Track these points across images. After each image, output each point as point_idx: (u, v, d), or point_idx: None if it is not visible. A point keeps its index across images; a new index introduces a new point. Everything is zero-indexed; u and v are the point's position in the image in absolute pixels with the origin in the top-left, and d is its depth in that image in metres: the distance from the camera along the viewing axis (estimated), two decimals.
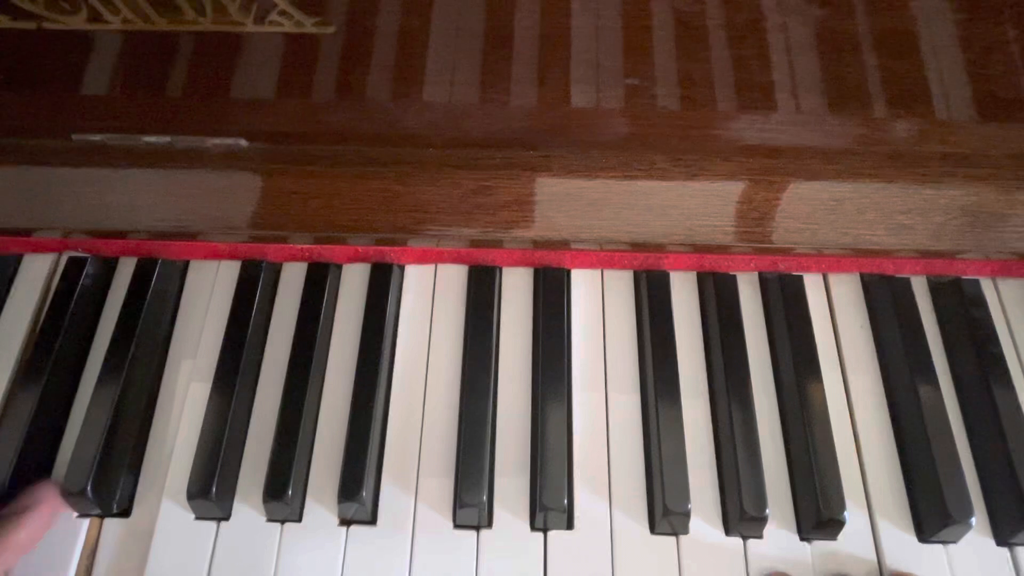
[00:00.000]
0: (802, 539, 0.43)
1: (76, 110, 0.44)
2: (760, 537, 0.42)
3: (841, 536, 0.42)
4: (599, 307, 0.50)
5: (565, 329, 0.48)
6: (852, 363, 0.48)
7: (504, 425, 0.46)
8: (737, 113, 0.42)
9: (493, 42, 0.39)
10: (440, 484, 0.44)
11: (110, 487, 0.43)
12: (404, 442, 0.45)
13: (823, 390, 0.46)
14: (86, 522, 0.43)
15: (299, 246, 0.50)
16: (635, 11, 0.37)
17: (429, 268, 0.51)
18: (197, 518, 0.43)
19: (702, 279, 0.51)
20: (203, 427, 0.45)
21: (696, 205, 0.46)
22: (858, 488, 0.44)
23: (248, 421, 0.46)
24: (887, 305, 0.49)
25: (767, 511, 0.42)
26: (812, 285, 0.51)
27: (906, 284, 0.50)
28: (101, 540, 0.43)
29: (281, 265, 0.52)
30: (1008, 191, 0.45)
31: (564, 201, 0.46)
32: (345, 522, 0.43)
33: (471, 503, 0.42)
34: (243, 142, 0.46)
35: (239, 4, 0.37)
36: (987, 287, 0.50)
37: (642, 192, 0.46)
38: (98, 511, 0.43)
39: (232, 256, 0.52)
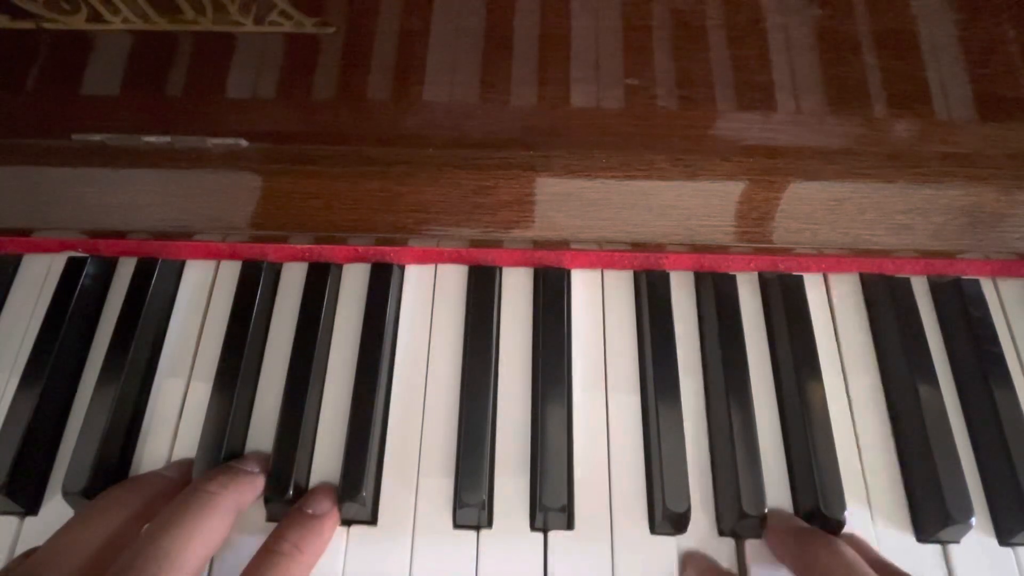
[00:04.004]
0: None
1: (76, 110, 0.44)
2: (759, 537, 0.42)
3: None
4: (599, 307, 0.50)
5: (565, 329, 0.48)
6: (852, 363, 0.48)
7: (504, 425, 0.46)
8: (737, 113, 0.42)
9: (493, 42, 0.39)
10: (440, 484, 0.44)
11: None
12: (404, 442, 0.45)
13: (823, 390, 0.46)
14: None
15: (299, 246, 0.50)
16: (635, 11, 0.37)
17: (429, 268, 0.51)
18: None
19: (702, 279, 0.51)
20: (203, 427, 0.45)
21: (696, 205, 0.46)
22: (858, 488, 0.44)
23: (248, 421, 0.46)
24: (887, 305, 0.49)
25: (765, 511, 0.42)
26: (812, 285, 0.51)
27: (906, 284, 0.50)
28: None
29: (281, 265, 0.52)
30: (1008, 191, 0.45)
31: (564, 201, 0.46)
32: (345, 522, 0.43)
33: (471, 503, 0.42)
34: (243, 142, 0.46)
35: (239, 4, 0.37)
36: (987, 287, 0.50)
37: (642, 192, 0.46)
38: None
39: (232, 256, 0.52)
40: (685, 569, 0.41)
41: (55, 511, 0.43)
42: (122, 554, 0.35)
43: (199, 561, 0.36)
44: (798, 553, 0.39)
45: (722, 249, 0.48)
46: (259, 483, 0.42)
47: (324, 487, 0.43)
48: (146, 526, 0.38)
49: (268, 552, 0.38)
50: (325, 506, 0.42)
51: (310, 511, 0.41)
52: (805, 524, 0.42)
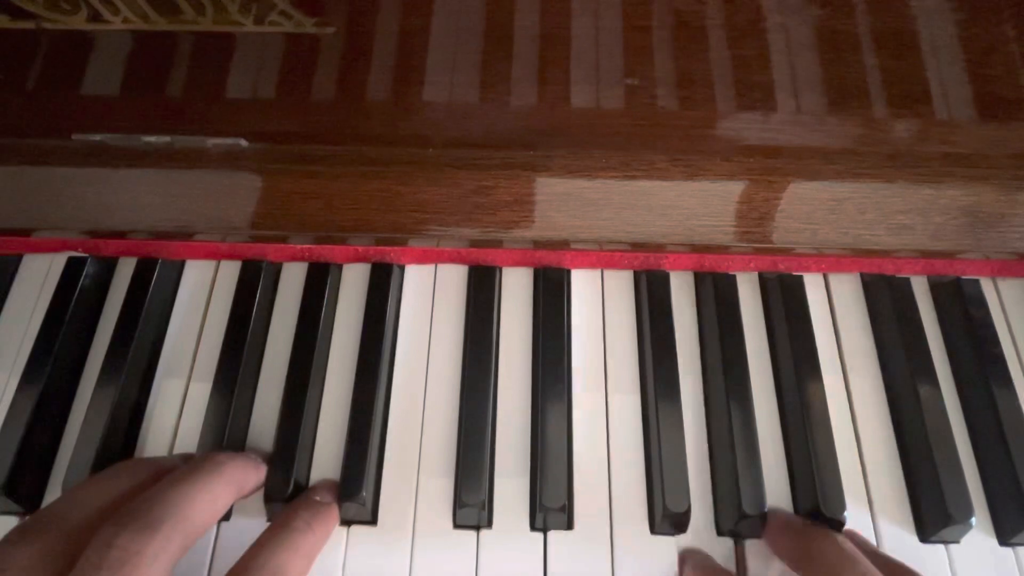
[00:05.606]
0: None
1: (76, 110, 0.44)
2: (759, 537, 0.42)
3: None
4: (599, 307, 0.50)
5: (565, 329, 0.48)
6: (852, 363, 0.48)
7: (504, 425, 0.46)
8: (737, 113, 0.42)
9: (493, 42, 0.39)
10: (440, 484, 0.44)
11: None
12: (404, 442, 0.45)
13: (823, 390, 0.46)
14: None
15: (299, 246, 0.50)
16: (635, 11, 0.37)
17: (429, 268, 0.51)
18: None
19: (702, 279, 0.51)
20: (203, 428, 0.45)
21: (696, 205, 0.46)
22: (858, 488, 0.44)
23: (248, 422, 0.46)
24: (887, 305, 0.49)
25: (765, 511, 0.42)
26: (812, 285, 0.51)
27: (906, 284, 0.50)
28: None
29: (281, 265, 0.52)
30: (1008, 191, 0.45)
31: (564, 201, 0.46)
32: (345, 522, 0.43)
33: (471, 503, 0.42)
34: (243, 142, 0.46)
35: (239, 4, 0.37)
36: (987, 287, 0.50)
37: (642, 192, 0.46)
38: None
39: (232, 256, 0.52)
40: (683, 566, 0.41)
41: None
42: (132, 500, 0.36)
43: (203, 518, 0.37)
44: (798, 546, 0.39)
45: (722, 249, 0.48)
46: (261, 470, 0.43)
47: (327, 482, 0.43)
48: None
49: (281, 526, 0.39)
50: (329, 498, 0.42)
51: (318, 498, 0.42)
52: (804, 520, 0.42)
